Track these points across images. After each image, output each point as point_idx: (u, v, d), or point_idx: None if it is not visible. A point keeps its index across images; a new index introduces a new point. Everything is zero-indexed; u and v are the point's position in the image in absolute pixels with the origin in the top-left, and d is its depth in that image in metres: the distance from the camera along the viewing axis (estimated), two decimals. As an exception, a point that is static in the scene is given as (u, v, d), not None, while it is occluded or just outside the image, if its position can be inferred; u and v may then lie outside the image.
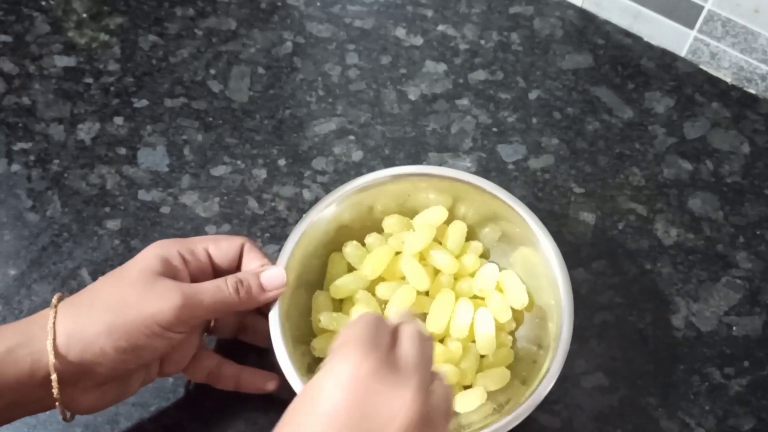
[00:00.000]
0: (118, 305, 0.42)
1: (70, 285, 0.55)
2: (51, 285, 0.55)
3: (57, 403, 0.42)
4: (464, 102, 0.64)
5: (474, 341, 0.51)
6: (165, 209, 0.58)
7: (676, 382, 0.53)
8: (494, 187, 0.51)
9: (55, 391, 0.41)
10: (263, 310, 0.47)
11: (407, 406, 0.35)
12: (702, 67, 0.67)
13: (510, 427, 0.44)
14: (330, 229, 0.51)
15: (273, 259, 0.48)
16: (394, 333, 0.39)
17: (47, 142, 0.61)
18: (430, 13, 0.69)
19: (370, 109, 0.64)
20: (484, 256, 0.54)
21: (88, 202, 0.58)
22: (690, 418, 0.52)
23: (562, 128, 0.63)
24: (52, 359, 0.41)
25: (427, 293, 0.52)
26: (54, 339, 0.41)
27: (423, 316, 0.51)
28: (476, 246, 0.53)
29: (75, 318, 0.42)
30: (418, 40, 0.68)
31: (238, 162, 0.61)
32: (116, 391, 0.45)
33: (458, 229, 0.53)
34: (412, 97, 0.64)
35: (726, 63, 0.66)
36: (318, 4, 0.69)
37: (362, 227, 0.53)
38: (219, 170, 0.60)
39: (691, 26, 0.65)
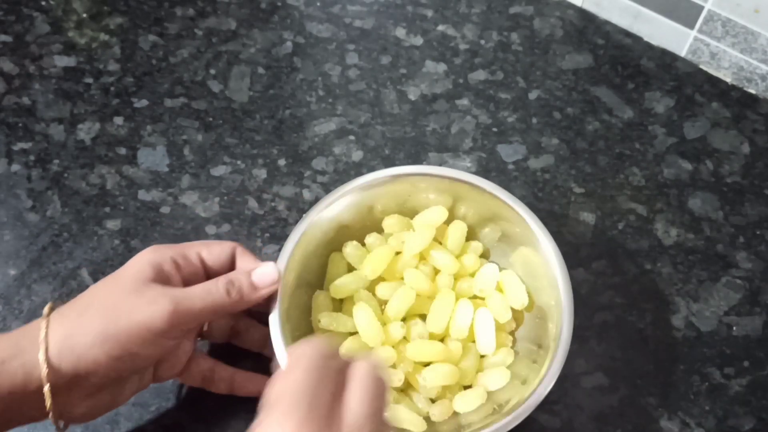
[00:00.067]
0: (110, 313, 0.42)
1: (70, 285, 0.55)
2: (51, 285, 0.55)
3: (50, 415, 0.42)
4: (464, 102, 0.64)
5: (474, 341, 0.51)
6: (165, 209, 0.58)
7: (676, 382, 0.53)
8: (494, 187, 0.51)
9: (48, 402, 0.41)
10: (263, 311, 0.47)
11: None
12: (702, 67, 0.67)
13: (510, 427, 0.44)
14: (330, 229, 0.51)
15: (273, 259, 0.48)
16: (342, 375, 0.36)
17: (47, 142, 0.61)
18: (430, 13, 0.69)
19: (370, 109, 0.64)
20: (484, 256, 0.54)
21: (88, 202, 0.58)
22: (690, 418, 0.52)
23: (562, 128, 0.63)
24: (44, 371, 0.40)
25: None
26: (46, 350, 0.41)
27: (423, 317, 0.51)
28: (476, 246, 0.53)
29: (67, 328, 0.41)
30: (418, 40, 0.68)
31: (238, 162, 0.61)
32: (110, 398, 0.45)
33: (458, 229, 0.53)
34: (412, 97, 0.64)
35: (726, 63, 0.66)
36: (318, 4, 0.69)
37: (362, 227, 0.53)
38: (219, 170, 0.60)
39: (691, 26, 0.65)
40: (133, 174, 0.60)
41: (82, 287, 0.54)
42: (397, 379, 0.48)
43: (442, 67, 0.66)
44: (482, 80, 0.66)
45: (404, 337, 0.50)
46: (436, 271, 0.52)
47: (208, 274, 0.47)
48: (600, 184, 0.61)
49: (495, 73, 0.66)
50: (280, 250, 0.48)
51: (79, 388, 0.42)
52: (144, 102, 0.63)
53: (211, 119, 0.63)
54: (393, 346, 0.49)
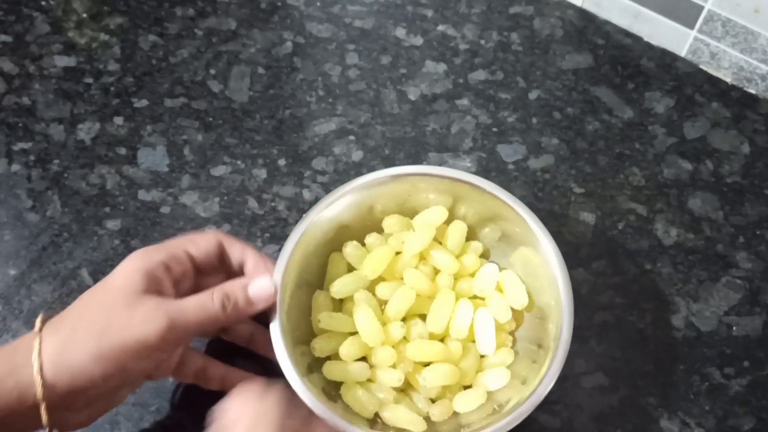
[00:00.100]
0: (104, 330, 0.41)
1: (70, 285, 0.55)
2: (51, 285, 0.55)
3: (46, 429, 0.41)
4: (464, 102, 0.64)
5: (474, 341, 0.51)
6: (165, 209, 0.58)
7: (676, 382, 0.53)
8: (494, 187, 0.51)
9: (44, 418, 0.41)
10: (264, 320, 0.47)
11: None
12: (702, 67, 0.67)
13: (510, 427, 0.44)
14: (330, 229, 0.51)
15: (272, 260, 0.48)
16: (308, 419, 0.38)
17: (47, 142, 0.61)
18: (430, 13, 0.69)
19: (370, 109, 0.64)
20: (484, 256, 0.54)
21: (88, 202, 0.58)
22: (690, 418, 0.52)
23: (562, 128, 0.63)
24: (40, 390, 0.40)
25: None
26: (41, 370, 0.40)
27: (423, 317, 0.51)
28: (476, 246, 0.53)
29: (60, 346, 0.41)
30: (418, 40, 0.68)
31: (238, 162, 0.61)
32: (105, 405, 0.45)
33: (458, 229, 0.53)
34: (412, 97, 0.64)
35: (726, 63, 0.66)
36: (318, 4, 0.69)
37: (362, 227, 0.53)
38: (219, 170, 0.60)
39: (691, 26, 0.65)
40: (133, 174, 0.60)
41: (82, 287, 0.55)
42: (397, 379, 0.48)
43: (442, 67, 0.66)
44: (482, 80, 0.66)
45: (404, 337, 0.50)
46: (436, 271, 0.52)
47: (198, 269, 0.47)
48: (600, 184, 0.61)
49: (495, 73, 0.66)
50: (280, 250, 0.48)
51: (75, 402, 0.42)
52: (144, 102, 0.63)
53: (211, 119, 0.63)
54: (393, 346, 0.49)
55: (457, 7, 0.69)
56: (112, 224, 0.58)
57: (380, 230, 0.53)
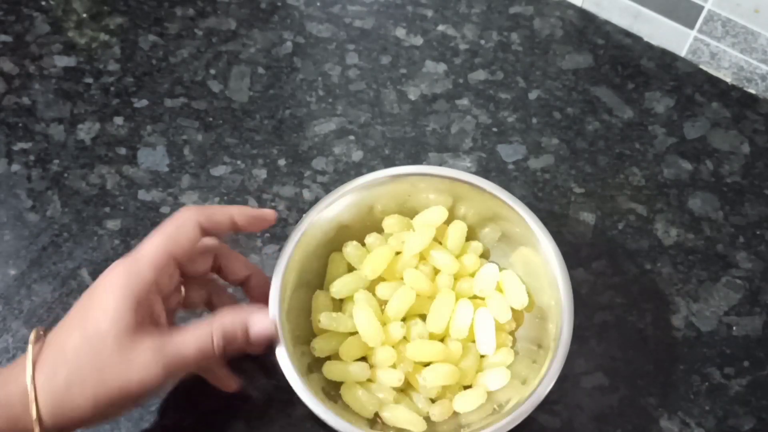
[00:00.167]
0: (101, 380, 0.40)
1: (70, 285, 0.55)
2: (51, 285, 0.55)
3: None
4: (464, 102, 0.64)
5: (474, 341, 0.51)
6: (165, 209, 0.58)
7: (676, 382, 0.53)
8: (494, 187, 0.51)
9: None
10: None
11: None
12: (702, 67, 0.67)
13: (510, 427, 0.44)
14: (330, 229, 0.51)
15: (272, 260, 0.48)
16: None
17: (47, 142, 0.61)
18: (430, 13, 0.69)
19: (370, 109, 0.64)
20: (484, 256, 0.54)
21: (88, 202, 0.58)
22: (690, 418, 0.52)
23: (562, 128, 0.63)
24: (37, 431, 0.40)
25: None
26: (39, 418, 0.39)
27: (423, 317, 0.51)
28: (476, 246, 0.53)
29: (58, 398, 0.40)
30: (418, 40, 0.68)
31: (238, 162, 0.61)
32: (101, 423, 0.45)
33: (458, 229, 0.53)
34: (412, 97, 0.64)
35: (726, 63, 0.66)
36: (318, 4, 0.69)
37: (362, 227, 0.53)
38: (219, 170, 0.60)
39: (691, 26, 0.65)
40: (133, 174, 0.60)
41: (82, 287, 0.55)
42: (397, 379, 0.48)
43: (442, 67, 0.66)
44: (482, 80, 0.66)
45: (404, 337, 0.50)
46: (436, 271, 0.52)
47: (184, 274, 0.46)
48: (600, 184, 0.61)
49: (495, 73, 0.66)
50: (280, 250, 0.48)
51: None
52: (144, 102, 0.63)
53: (211, 119, 0.63)
54: (393, 346, 0.49)
55: (457, 7, 0.69)
56: (112, 224, 0.58)
57: (380, 230, 0.53)
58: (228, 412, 0.51)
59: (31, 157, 0.60)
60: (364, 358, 0.50)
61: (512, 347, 0.51)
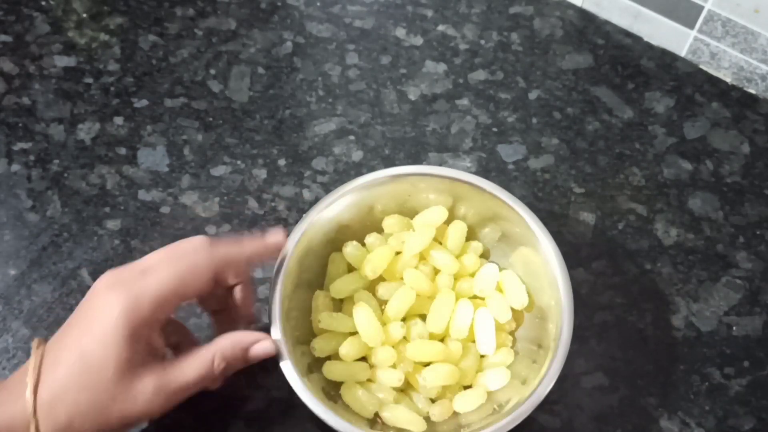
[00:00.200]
0: (102, 413, 0.40)
1: (70, 285, 0.55)
2: (51, 285, 0.55)
3: None
4: (464, 102, 0.64)
5: (474, 341, 0.51)
6: (165, 209, 0.58)
7: (676, 382, 0.53)
8: (494, 187, 0.51)
9: None
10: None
11: None
12: (702, 67, 0.67)
13: (510, 427, 0.44)
14: (330, 229, 0.51)
15: (272, 260, 0.48)
16: None
17: (47, 142, 0.61)
18: (430, 13, 0.69)
19: (370, 109, 0.64)
20: (484, 256, 0.54)
21: (88, 202, 0.58)
22: (690, 418, 0.52)
23: (562, 128, 0.63)
24: None
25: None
26: None
27: (423, 317, 0.51)
28: (476, 246, 0.53)
29: (59, 429, 0.40)
30: (418, 40, 0.68)
31: (238, 162, 0.61)
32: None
33: (458, 229, 0.53)
34: (412, 97, 0.64)
35: (726, 63, 0.66)
36: (318, 4, 0.69)
37: (362, 227, 0.53)
38: (219, 170, 0.60)
39: (691, 26, 0.65)
40: (133, 174, 0.60)
41: (82, 287, 0.55)
42: (397, 379, 0.48)
43: (442, 67, 0.66)
44: (482, 80, 0.66)
45: (404, 337, 0.50)
46: (436, 271, 0.52)
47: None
48: (600, 184, 0.61)
49: (495, 73, 0.66)
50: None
51: None
52: (144, 102, 0.63)
53: (211, 119, 0.63)
54: (393, 346, 0.49)
55: (457, 7, 0.69)
56: (112, 224, 0.58)
57: (380, 230, 0.53)
58: (228, 412, 0.51)
59: (31, 157, 0.60)
60: (364, 358, 0.50)
61: (512, 347, 0.51)
